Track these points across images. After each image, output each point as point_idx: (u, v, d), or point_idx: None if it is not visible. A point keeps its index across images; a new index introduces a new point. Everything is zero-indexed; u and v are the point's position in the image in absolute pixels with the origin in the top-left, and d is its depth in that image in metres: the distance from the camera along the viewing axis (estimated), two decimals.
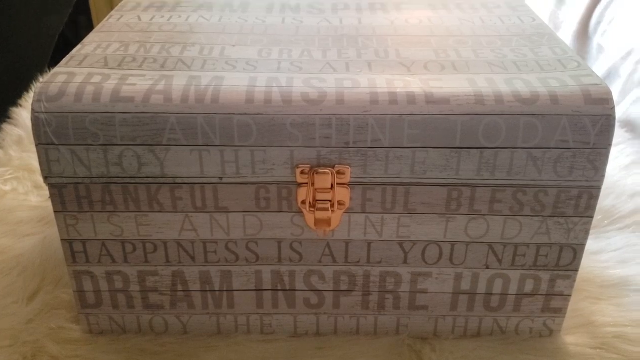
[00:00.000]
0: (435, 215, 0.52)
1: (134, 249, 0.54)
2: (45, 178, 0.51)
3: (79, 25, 1.56)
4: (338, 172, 0.50)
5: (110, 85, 0.49)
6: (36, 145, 0.49)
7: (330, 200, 0.51)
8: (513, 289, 0.56)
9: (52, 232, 0.70)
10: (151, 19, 0.63)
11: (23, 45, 1.12)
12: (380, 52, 0.57)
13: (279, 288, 0.56)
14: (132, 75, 0.51)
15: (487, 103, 0.48)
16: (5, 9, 1.06)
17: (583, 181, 0.50)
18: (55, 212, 0.52)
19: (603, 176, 0.50)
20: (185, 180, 0.51)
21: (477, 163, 0.50)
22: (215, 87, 0.49)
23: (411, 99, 0.49)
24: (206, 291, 0.56)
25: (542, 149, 0.49)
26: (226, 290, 0.56)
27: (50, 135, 0.49)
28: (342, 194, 0.51)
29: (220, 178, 0.51)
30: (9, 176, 0.81)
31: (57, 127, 0.48)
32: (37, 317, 0.59)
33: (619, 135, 0.88)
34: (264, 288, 0.56)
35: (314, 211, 0.51)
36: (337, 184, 0.51)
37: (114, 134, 0.49)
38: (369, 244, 0.54)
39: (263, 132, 0.49)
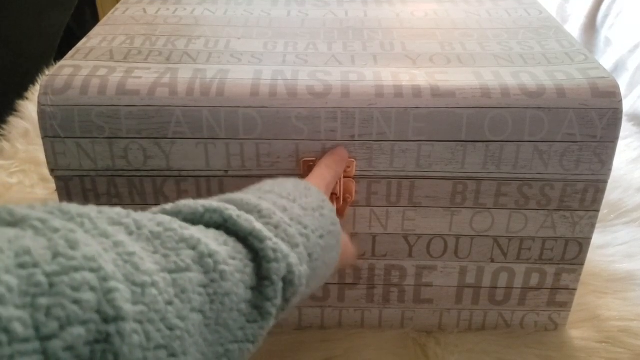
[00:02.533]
0: (440, 208, 0.52)
1: None
2: (52, 171, 0.51)
3: (85, 18, 1.56)
4: None
5: (115, 78, 0.49)
6: (42, 138, 0.50)
7: (335, 194, 0.51)
8: (518, 282, 0.56)
9: None
10: (157, 12, 0.63)
11: (29, 38, 1.12)
12: (386, 44, 0.57)
13: None
14: (137, 68, 0.51)
15: (493, 96, 0.48)
16: (12, 2, 1.07)
17: (589, 175, 0.50)
18: None
19: (609, 170, 0.50)
20: (191, 174, 0.51)
21: (483, 156, 0.50)
22: (221, 80, 0.49)
23: (417, 92, 0.48)
24: None
25: (549, 142, 0.49)
26: None
27: (56, 128, 0.49)
28: (348, 187, 0.51)
29: (226, 171, 0.51)
30: (15, 169, 0.81)
31: (63, 120, 0.49)
32: None
33: (626, 128, 0.87)
34: None
35: None
36: (343, 177, 0.50)
37: (119, 127, 0.49)
38: (374, 237, 0.54)
39: (268, 125, 0.49)
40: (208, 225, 0.35)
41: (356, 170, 0.50)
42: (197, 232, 0.33)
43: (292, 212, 0.39)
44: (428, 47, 0.56)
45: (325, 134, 0.49)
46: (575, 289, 0.56)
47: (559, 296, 0.56)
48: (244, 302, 0.33)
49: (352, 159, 0.50)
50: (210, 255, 0.32)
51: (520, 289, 0.56)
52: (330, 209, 0.42)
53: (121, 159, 0.50)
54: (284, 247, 0.35)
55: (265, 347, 0.57)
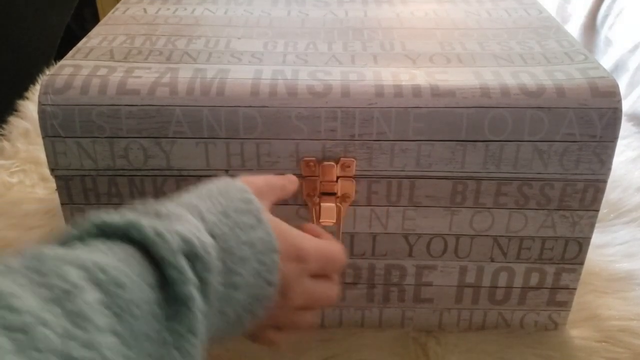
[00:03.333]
0: (440, 208, 0.52)
1: None
2: (52, 170, 0.51)
3: (85, 17, 1.56)
4: (343, 165, 0.50)
5: (116, 77, 0.49)
6: (43, 138, 0.50)
7: (335, 193, 0.51)
8: (518, 282, 0.56)
9: (59, 225, 0.70)
10: (157, 12, 0.63)
11: (29, 38, 1.12)
12: (386, 44, 0.57)
13: None
14: (137, 68, 0.51)
15: (492, 96, 0.48)
16: (12, 2, 1.07)
17: (589, 174, 0.50)
18: (61, 204, 0.53)
19: (609, 169, 0.50)
20: (191, 173, 0.51)
21: (483, 156, 0.50)
22: (221, 79, 0.49)
23: (417, 91, 0.48)
24: None
25: (548, 142, 0.49)
26: None
27: (57, 128, 0.49)
28: (347, 186, 0.51)
29: (226, 171, 0.51)
30: (16, 168, 0.81)
31: (64, 120, 0.49)
32: None
33: (626, 128, 0.87)
34: None
35: (319, 204, 0.51)
36: (342, 176, 0.51)
37: (119, 126, 0.49)
38: (374, 236, 0.54)
39: (268, 124, 0.49)
40: (83, 239, 0.31)
41: (356, 170, 0.50)
42: (73, 250, 0.29)
43: (179, 201, 0.36)
44: (428, 47, 0.56)
45: (325, 134, 0.49)
46: (575, 289, 0.56)
47: (559, 296, 0.56)
48: (155, 303, 0.29)
49: (352, 159, 0.50)
50: (100, 268, 0.28)
51: (520, 288, 0.56)
52: (226, 181, 0.39)
53: (121, 159, 0.50)
54: (166, 224, 0.31)
55: (264, 346, 0.57)
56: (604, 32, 1.05)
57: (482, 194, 0.51)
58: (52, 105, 0.48)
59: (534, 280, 0.56)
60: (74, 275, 0.27)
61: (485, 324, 0.58)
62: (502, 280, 0.56)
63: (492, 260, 0.55)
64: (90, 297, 0.26)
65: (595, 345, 0.57)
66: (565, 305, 0.57)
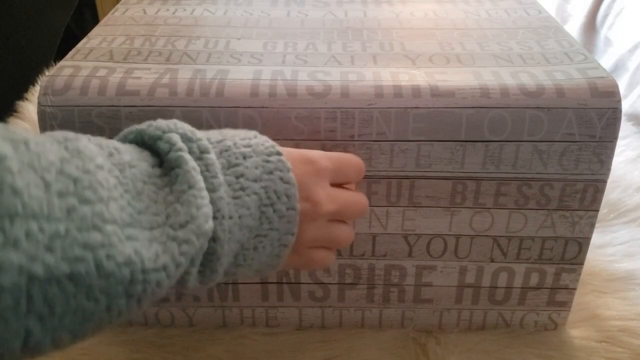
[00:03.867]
0: (440, 208, 0.52)
1: None
2: None
3: (85, 18, 1.56)
4: None
5: (115, 78, 0.49)
6: None
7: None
8: (518, 282, 0.56)
9: None
10: (156, 12, 0.64)
11: (29, 39, 1.12)
12: (385, 45, 0.57)
13: (284, 281, 0.56)
14: (137, 69, 0.51)
15: (492, 96, 0.48)
16: (12, 2, 1.07)
17: (589, 174, 0.50)
18: None
19: (609, 169, 0.50)
20: None
21: (482, 156, 0.50)
22: (220, 80, 0.49)
23: (416, 92, 0.49)
24: None
25: (548, 142, 0.49)
26: (231, 283, 0.56)
27: (56, 129, 0.49)
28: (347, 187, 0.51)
29: None
30: None
31: (63, 121, 0.49)
32: None
33: (626, 128, 0.87)
34: (269, 281, 0.56)
35: None
36: None
37: (119, 127, 0.49)
38: (374, 237, 0.54)
39: (268, 125, 0.49)
40: None
41: None
42: None
43: None
44: (427, 47, 0.56)
45: (324, 134, 0.49)
46: (574, 289, 0.56)
47: (559, 296, 0.56)
48: (155, 175, 0.33)
49: None
50: (101, 139, 0.32)
51: (520, 288, 0.56)
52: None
53: None
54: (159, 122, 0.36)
55: (265, 347, 0.57)
56: (603, 32, 1.05)
57: (482, 194, 0.52)
58: (52, 106, 0.48)
59: (534, 280, 0.56)
60: (74, 134, 0.30)
61: (485, 324, 0.58)
62: (502, 281, 0.56)
63: (492, 261, 0.55)
64: (91, 146, 0.30)
65: (595, 345, 0.57)
66: (565, 305, 0.57)
